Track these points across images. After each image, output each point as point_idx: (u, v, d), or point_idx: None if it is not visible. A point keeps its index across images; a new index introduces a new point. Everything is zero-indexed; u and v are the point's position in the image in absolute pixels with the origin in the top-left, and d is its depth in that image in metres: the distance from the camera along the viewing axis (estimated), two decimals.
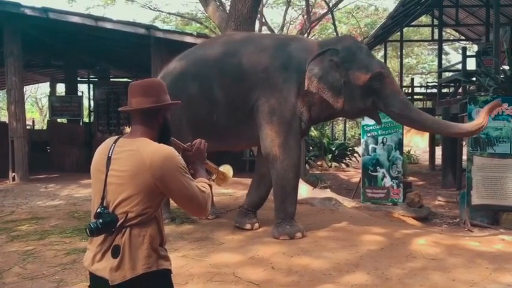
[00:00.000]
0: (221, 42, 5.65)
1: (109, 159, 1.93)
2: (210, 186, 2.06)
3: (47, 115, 18.28)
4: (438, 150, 14.64)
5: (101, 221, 1.85)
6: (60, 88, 17.66)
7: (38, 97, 32.75)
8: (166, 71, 5.72)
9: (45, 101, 29.04)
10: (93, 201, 2.00)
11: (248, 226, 5.44)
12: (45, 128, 15.85)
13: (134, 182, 1.87)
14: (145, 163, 1.86)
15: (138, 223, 1.88)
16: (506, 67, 7.92)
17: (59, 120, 14.20)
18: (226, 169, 2.29)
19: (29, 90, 27.57)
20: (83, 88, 16.41)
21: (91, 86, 14.56)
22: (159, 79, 2.15)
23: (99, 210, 1.90)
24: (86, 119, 14.90)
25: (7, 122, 10.29)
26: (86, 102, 15.35)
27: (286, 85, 5.03)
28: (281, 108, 5.03)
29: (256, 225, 5.49)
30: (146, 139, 1.94)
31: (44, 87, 26.49)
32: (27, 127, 11.96)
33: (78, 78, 14.94)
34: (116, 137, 2.02)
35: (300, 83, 4.99)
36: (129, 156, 1.90)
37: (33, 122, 20.68)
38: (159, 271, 1.92)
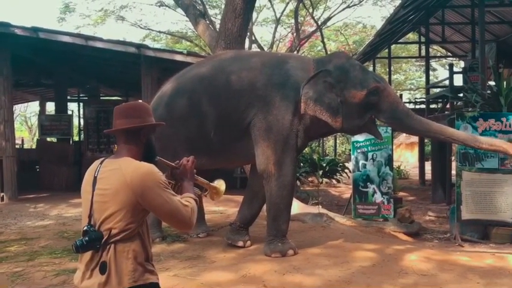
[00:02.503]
0: (216, 61, 5.68)
1: (95, 179, 2.03)
2: (196, 201, 2.11)
3: (36, 134, 18.18)
4: (428, 165, 14.74)
5: (86, 238, 1.94)
6: (50, 107, 17.62)
7: (27, 116, 32.59)
8: (162, 91, 5.76)
9: (34, 120, 28.91)
10: (82, 220, 2.08)
11: (240, 243, 5.43)
12: (34, 147, 15.74)
13: (117, 199, 1.94)
14: (126, 181, 1.94)
15: (122, 239, 1.95)
16: (492, 83, 8.04)
17: (48, 139, 14.12)
18: (219, 184, 2.36)
19: (18, 109, 27.42)
20: (72, 107, 16.40)
21: (81, 104, 14.53)
22: (143, 102, 2.24)
23: (85, 228, 1.99)
24: (75, 138, 14.83)
25: None
26: (75, 120, 15.31)
27: (283, 103, 5.04)
28: (278, 126, 5.04)
29: (249, 242, 5.47)
30: (129, 158, 2.03)
31: (34, 106, 26.42)
32: (16, 146, 11.87)
33: (68, 97, 14.90)
34: (103, 158, 2.10)
35: (297, 101, 5.01)
36: (111, 175, 1.99)
37: (22, 141, 20.53)
38: (146, 285, 1.97)
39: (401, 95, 18.75)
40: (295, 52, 17.22)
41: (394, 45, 18.03)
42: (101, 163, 2.06)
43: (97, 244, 1.93)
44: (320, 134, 5.54)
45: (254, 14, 17.59)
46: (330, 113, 4.94)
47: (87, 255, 1.98)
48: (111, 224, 1.94)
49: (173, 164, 2.19)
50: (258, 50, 18.63)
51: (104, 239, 1.94)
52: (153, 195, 1.94)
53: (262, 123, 5.08)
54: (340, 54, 5.83)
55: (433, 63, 24.42)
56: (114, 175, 1.97)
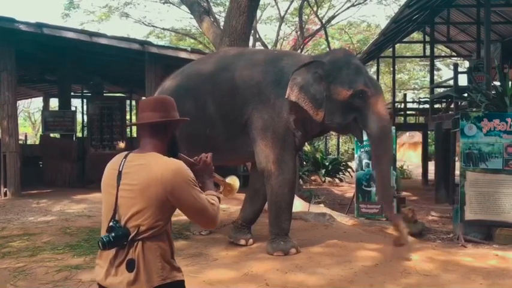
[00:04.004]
0: (216, 58, 5.69)
1: (120, 173, 1.96)
2: (219, 198, 2.09)
3: (40, 130, 18.21)
4: (431, 165, 14.71)
5: (113, 234, 1.88)
6: (54, 103, 17.63)
7: (30, 112, 32.62)
8: (162, 88, 5.76)
9: (38, 116, 28.95)
10: (103, 216, 2.02)
11: (242, 242, 5.42)
12: (37, 142, 15.77)
13: (145, 195, 1.89)
14: (156, 177, 1.89)
15: (150, 236, 1.91)
16: (497, 83, 8.00)
17: (51, 135, 14.15)
18: (233, 180, 2.35)
19: (21, 104, 27.42)
20: (76, 103, 16.42)
21: (85, 101, 14.55)
22: (169, 96, 2.18)
23: (111, 224, 1.92)
24: (79, 134, 14.85)
25: None
26: (79, 117, 15.32)
27: (278, 100, 5.02)
28: (274, 124, 5.03)
29: (251, 241, 5.46)
30: (156, 153, 1.98)
31: (37, 102, 26.45)
32: (20, 142, 11.89)
33: (72, 93, 14.90)
34: (126, 152, 2.05)
35: None
36: (139, 170, 1.93)
37: (26, 136, 20.60)
38: (173, 283, 1.95)
39: (405, 95, 18.74)
40: (298, 51, 17.18)
41: (398, 45, 17.98)
42: (125, 157, 2.00)
43: (124, 241, 1.88)
44: (317, 131, 5.43)
45: (258, 12, 17.55)
46: (313, 104, 4.87)
47: (110, 251, 1.93)
48: (139, 220, 1.89)
49: (192, 160, 2.14)
50: (262, 47, 18.61)
51: (131, 236, 1.89)
52: (183, 193, 1.92)
53: (258, 122, 5.08)
54: (340, 50, 5.78)
55: (438, 63, 24.33)
56: (143, 170, 1.92)
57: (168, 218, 1.97)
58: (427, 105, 15.33)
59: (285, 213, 5.17)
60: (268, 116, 5.03)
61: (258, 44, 18.87)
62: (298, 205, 7.37)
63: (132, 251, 1.89)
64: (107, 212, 1.98)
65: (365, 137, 7.60)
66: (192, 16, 12.96)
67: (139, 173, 1.92)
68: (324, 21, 18.68)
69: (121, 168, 1.97)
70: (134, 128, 16.51)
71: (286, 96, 4.91)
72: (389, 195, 5.22)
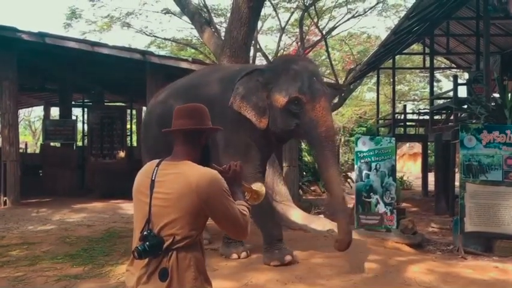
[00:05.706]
0: (195, 75, 6.00)
1: (153, 182, 1.96)
2: (249, 208, 2.09)
3: (40, 138, 18.23)
4: (431, 176, 14.70)
5: (148, 243, 1.87)
6: (54, 111, 17.69)
7: (31, 120, 32.69)
8: (157, 100, 5.89)
9: (38, 124, 28.99)
10: (135, 224, 2.02)
11: (234, 256, 5.31)
12: (38, 151, 15.78)
13: (180, 204, 1.90)
14: (191, 186, 1.89)
15: (184, 246, 1.91)
16: (497, 95, 8.03)
17: (52, 143, 14.17)
18: (258, 187, 2.33)
19: (22, 113, 27.51)
20: (77, 112, 16.45)
21: (85, 109, 14.59)
22: (202, 105, 2.17)
23: (145, 233, 1.91)
24: (79, 143, 14.87)
25: (0, 145, 10.26)
26: (80, 126, 15.36)
27: (235, 116, 5.03)
28: (234, 140, 5.08)
29: (244, 253, 5.34)
30: (190, 162, 1.98)
31: (38, 111, 26.51)
32: (20, 150, 11.91)
33: (73, 102, 14.98)
34: (158, 160, 2.04)
35: None
36: (174, 179, 1.93)
37: (26, 145, 20.58)
38: None
39: (405, 106, 18.77)
40: None
41: (398, 56, 18.04)
42: (157, 165, 2.00)
43: (158, 250, 1.89)
44: (281, 139, 5.41)
45: (259, 23, 17.63)
46: (255, 112, 4.95)
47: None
48: (174, 230, 1.90)
49: (221, 169, 2.12)
50: (263, 58, 18.69)
51: (165, 245, 1.89)
52: (218, 202, 1.92)
53: (221, 140, 5.12)
54: (285, 56, 5.80)
55: (437, 75, 24.40)
56: (177, 179, 1.92)
57: (201, 227, 1.98)
58: (426, 117, 15.34)
59: (269, 221, 5.18)
60: (229, 133, 5.01)
61: (258, 54, 18.96)
62: (298, 215, 7.37)
63: (165, 260, 1.90)
64: (140, 221, 1.98)
65: (363, 147, 7.66)
66: (193, 26, 13.03)
67: (174, 181, 1.92)
68: (324, 32, 18.77)
69: (154, 176, 1.97)
70: (134, 137, 16.55)
71: (229, 105, 4.97)
72: (342, 204, 4.82)
